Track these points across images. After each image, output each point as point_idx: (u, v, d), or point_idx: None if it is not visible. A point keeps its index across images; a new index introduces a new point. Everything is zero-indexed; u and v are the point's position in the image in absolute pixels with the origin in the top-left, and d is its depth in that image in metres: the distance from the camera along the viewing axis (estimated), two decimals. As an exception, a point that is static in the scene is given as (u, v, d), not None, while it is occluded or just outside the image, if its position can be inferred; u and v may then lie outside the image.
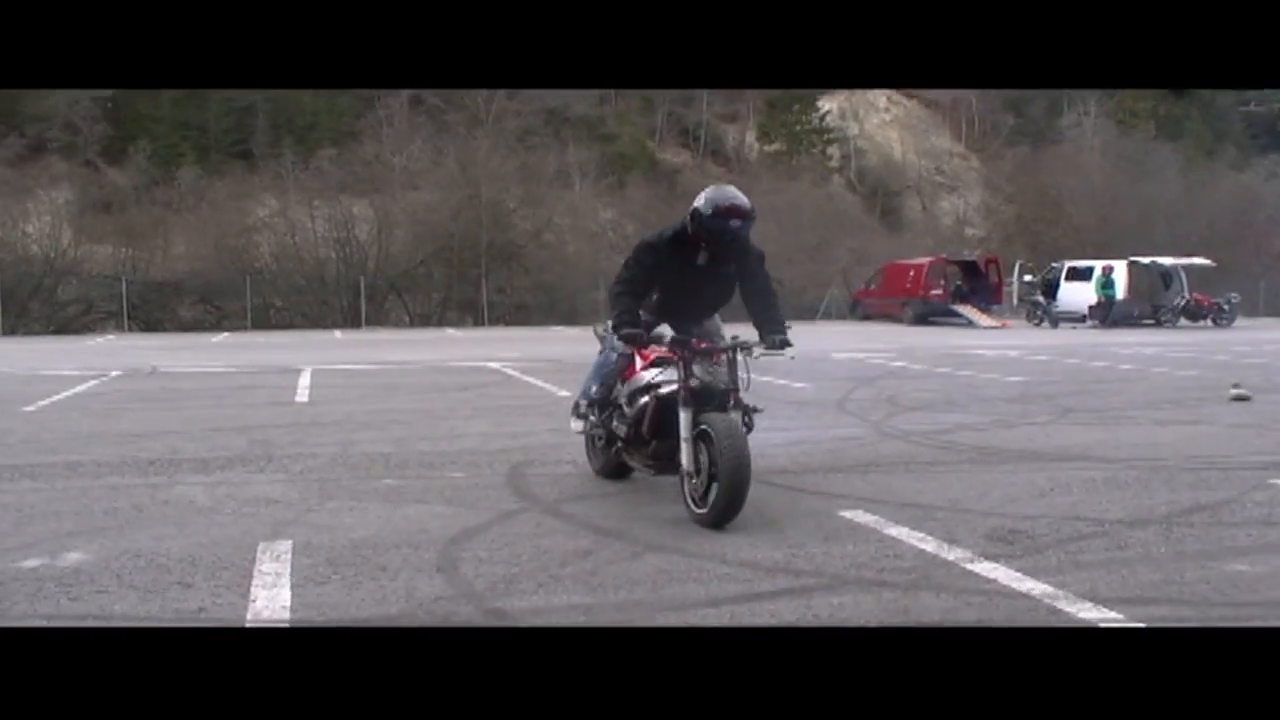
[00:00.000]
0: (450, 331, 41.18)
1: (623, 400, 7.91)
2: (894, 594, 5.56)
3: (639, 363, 7.85)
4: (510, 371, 19.52)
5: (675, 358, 7.40)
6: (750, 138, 78.78)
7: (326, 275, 48.88)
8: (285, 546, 6.50)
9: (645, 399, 7.67)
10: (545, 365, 21.02)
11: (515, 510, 7.62)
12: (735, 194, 7.86)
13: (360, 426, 12.20)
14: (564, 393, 15.49)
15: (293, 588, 5.64)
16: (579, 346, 27.65)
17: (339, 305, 48.48)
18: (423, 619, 5.12)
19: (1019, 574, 5.89)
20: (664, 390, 7.53)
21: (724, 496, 6.89)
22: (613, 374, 8.08)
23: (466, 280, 48.75)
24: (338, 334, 40.39)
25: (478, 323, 47.00)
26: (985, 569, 6.02)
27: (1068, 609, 5.27)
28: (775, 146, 75.13)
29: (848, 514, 7.45)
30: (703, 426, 7.13)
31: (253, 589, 5.62)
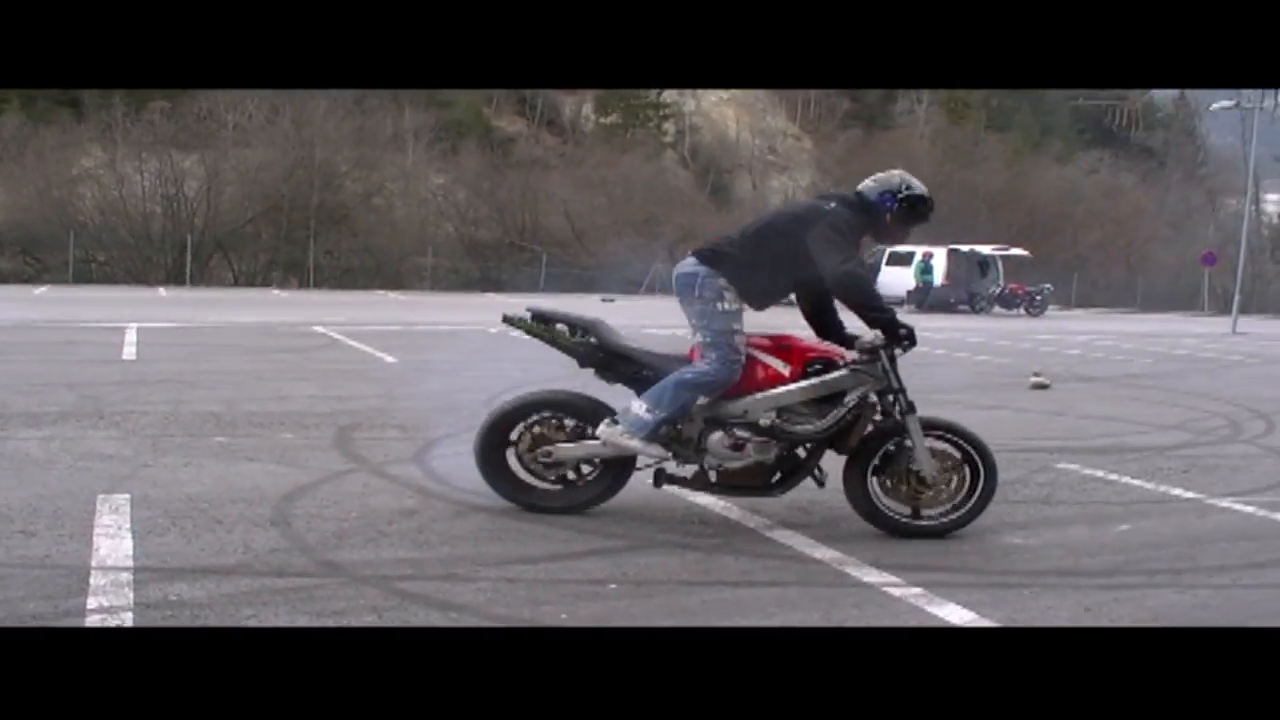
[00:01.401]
0: (276, 292, 40.93)
1: (767, 416, 6.71)
2: (697, 555, 6.02)
3: (773, 366, 6.80)
4: (337, 335, 19.65)
5: (839, 358, 6.84)
6: (587, 109, 78.93)
7: (152, 231, 48.19)
8: (124, 499, 6.69)
9: (842, 410, 6.72)
10: (371, 330, 21.19)
11: (344, 470, 7.90)
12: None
13: (189, 386, 12.29)
14: (390, 358, 15.75)
15: (134, 538, 5.87)
16: (405, 312, 27.89)
17: (163, 262, 47.82)
18: (259, 569, 5.42)
19: (812, 541, 6.36)
20: (882, 397, 6.82)
21: (981, 498, 6.82)
22: (725, 385, 6.73)
23: (294, 241, 48.38)
24: (162, 291, 39.74)
25: (303, 284, 46.66)
26: (782, 535, 6.50)
27: (853, 573, 5.76)
28: (611, 119, 75.26)
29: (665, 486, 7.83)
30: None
31: (95, 538, 5.83)
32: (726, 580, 5.62)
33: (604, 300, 39.55)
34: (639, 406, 6.65)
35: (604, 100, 77.18)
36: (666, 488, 6.81)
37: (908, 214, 7.00)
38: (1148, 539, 6.93)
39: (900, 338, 6.66)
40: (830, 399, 6.70)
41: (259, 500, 6.82)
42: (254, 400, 11.28)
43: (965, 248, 44.15)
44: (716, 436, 6.68)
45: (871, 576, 5.73)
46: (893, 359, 6.73)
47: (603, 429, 6.73)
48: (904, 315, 24.38)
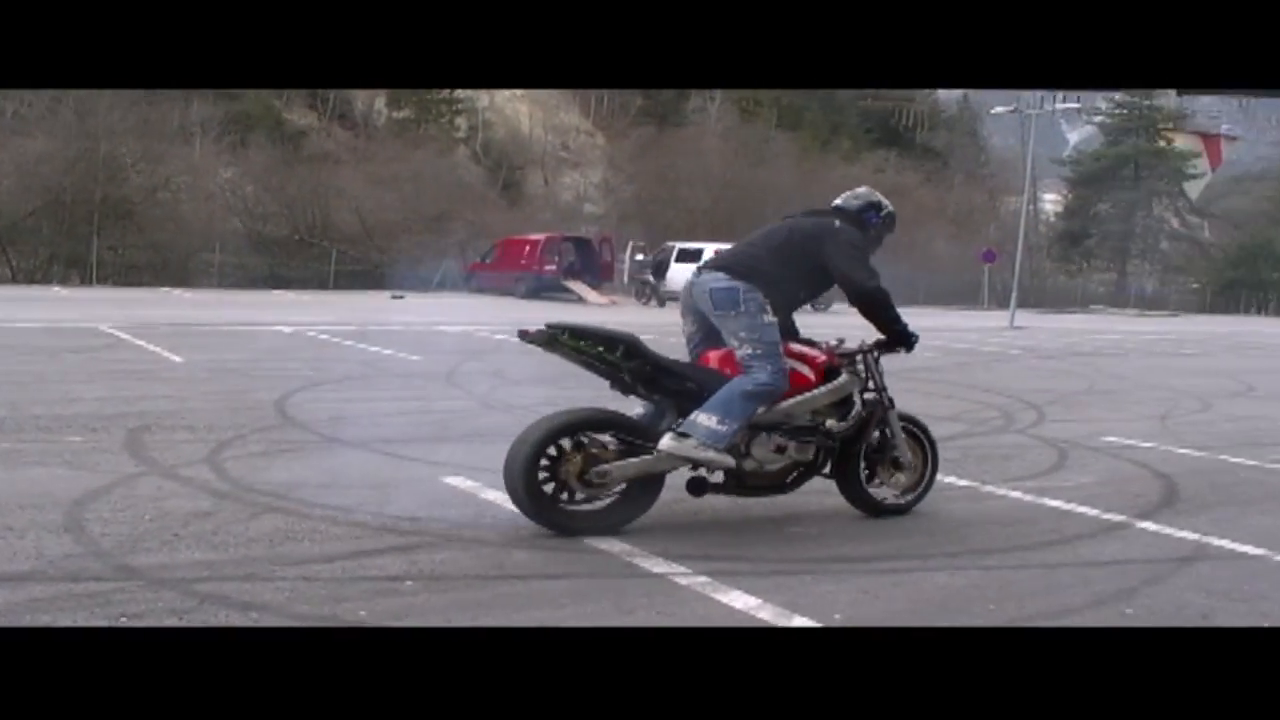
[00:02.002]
0: (58, 290, 39.76)
1: (804, 419, 7.19)
2: (490, 551, 6.15)
3: (802, 372, 7.24)
4: (123, 335, 19.23)
5: (834, 360, 7.38)
6: (380, 103, 78.22)
7: (-77, 224, 46.54)
8: (-94, 505, 6.58)
9: (857, 408, 7.36)
10: (159, 330, 20.83)
11: (135, 474, 7.81)
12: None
13: (-32, 388, 12.03)
14: (178, 358, 15.57)
15: (-79, 544, 5.80)
16: (193, 311, 27.45)
17: (-68, 258, 46.22)
18: (53, 575, 5.40)
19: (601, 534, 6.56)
20: (880, 396, 7.60)
21: (931, 479, 7.78)
22: (780, 394, 7.03)
23: (76, 236, 46.77)
24: (-67, 288, 38.66)
25: (85, 281, 45.26)
26: (571, 530, 6.68)
27: (641, 564, 5.98)
28: (404, 114, 74.67)
29: (450, 480, 7.97)
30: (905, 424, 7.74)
31: (-119, 544, 5.75)
32: (519, 574, 5.78)
33: (394, 298, 39.35)
34: (707, 419, 6.74)
35: (397, 94, 76.53)
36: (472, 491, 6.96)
37: (887, 227, 7.72)
38: (923, 525, 7.29)
39: (910, 345, 7.45)
40: (845, 400, 7.30)
41: (49, 505, 6.72)
42: (39, 403, 11.01)
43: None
44: (761, 440, 7.00)
45: (659, 567, 5.94)
46: (877, 360, 7.56)
47: (669, 443, 6.74)
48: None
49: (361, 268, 49.94)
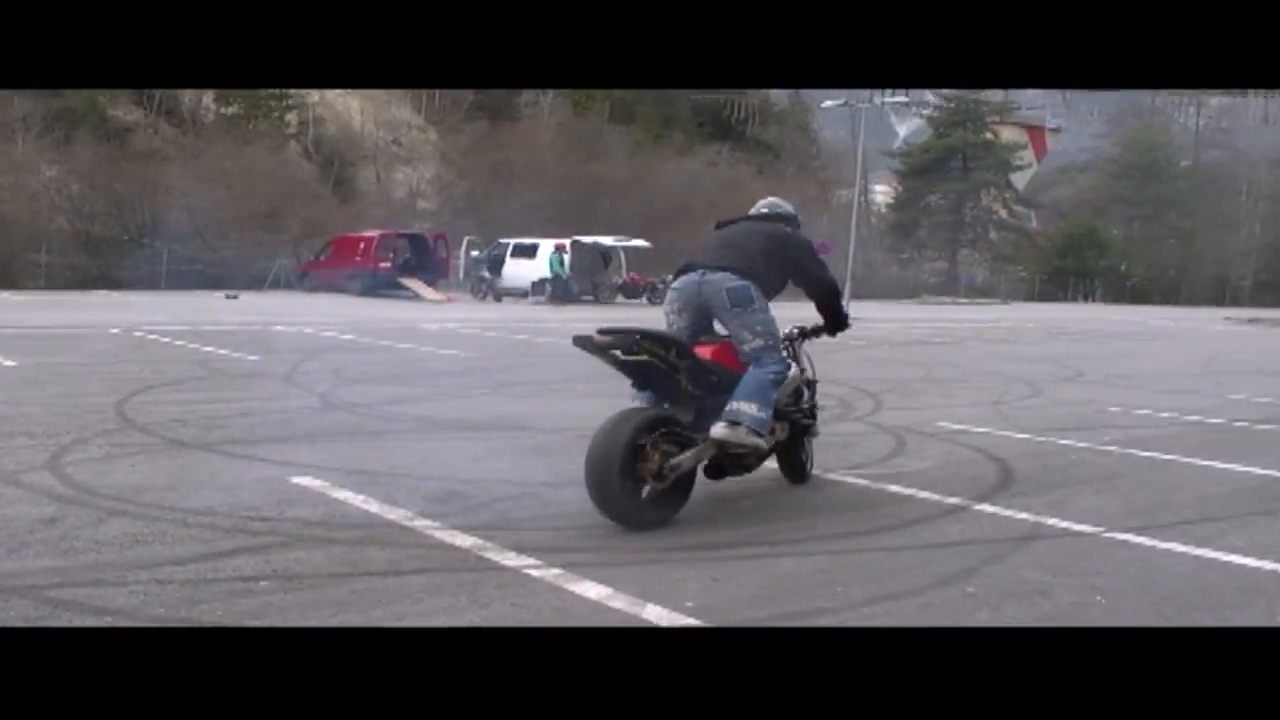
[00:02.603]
0: (-124, 292, 38.82)
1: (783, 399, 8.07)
2: (343, 549, 6.17)
3: None
4: (-50, 338, 18.94)
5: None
6: (208, 99, 76.92)
7: None
8: None
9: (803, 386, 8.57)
10: (-12, 332, 20.48)
11: None
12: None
13: None
14: (10, 362, 15.28)
15: None
16: (21, 314, 26.81)
17: None
18: None
19: (453, 530, 6.61)
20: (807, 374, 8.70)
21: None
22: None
23: (-107, 239, 45.64)
24: None
25: (-97, 283, 44.20)
26: (423, 525, 6.72)
27: (494, 558, 6.05)
28: (233, 110, 73.45)
29: (298, 480, 7.92)
30: None
31: None
32: (374, 571, 5.81)
33: (228, 297, 38.84)
34: (750, 406, 7.28)
35: (224, 90, 75.33)
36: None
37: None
38: (769, 513, 7.46)
39: (847, 326, 8.67)
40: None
41: (-116, 515, 6.60)
42: None
43: (588, 239, 45.03)
44: None
45: (511, 560, 6.02)
46: (802, 343, 8.65)
47: (725, 431, 7.19)
48: (531, 306, 24.97)
49: (194, 267, 49.04)
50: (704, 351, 7.56)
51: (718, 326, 7.88)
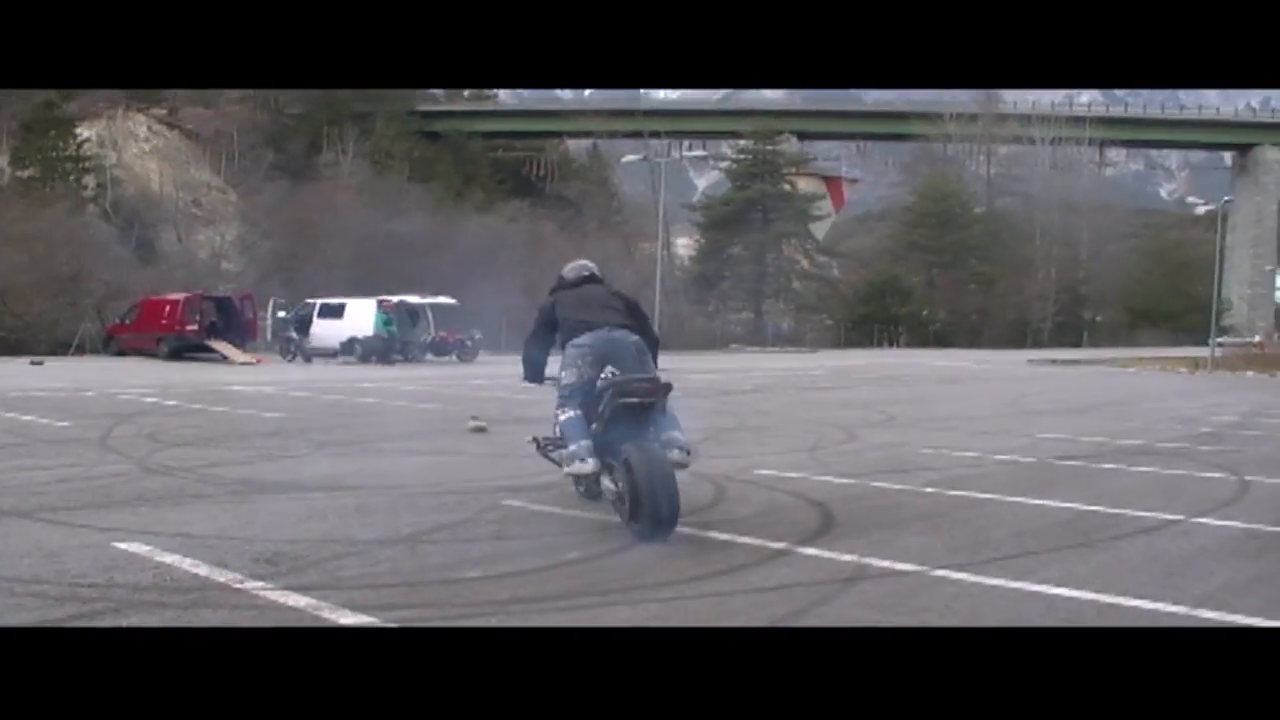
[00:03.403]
0: None
1: None
2: (176, 613, 6.14)
3: None
4: None
5: None
6: (2, 162, 75.19)
7: None
8: None
9: None
10: None
11: None
12: None
13: None
14: None
15: None
16: None
17: None
18: None
19: (286, 590, 6.64)
20: None
21: None
22: None
23: None
24: None
25: None
26: (255, 587, 6.72)
27: (330, 616, 6.10)
28: (29, 173, 71.92)
29: (123, 545, 7.84)
30: None
31: None
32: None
33: (33, 363, 37.94)
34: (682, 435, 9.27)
35: (20, 152, 73.74)
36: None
37: None
38: (598, 564, 7.58)
39: None
40: None
41: None
42: None
43: (395, 298, 44.89)
44: None
45: (347, 619, 6.07)
46: None
47: (684, 457, 9.09)
48: (340, 366, 24.77)
49: (-4, 333, 47.88)
50: None
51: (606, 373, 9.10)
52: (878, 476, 11.97)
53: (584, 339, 9.14)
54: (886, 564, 7.57)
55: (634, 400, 8.75)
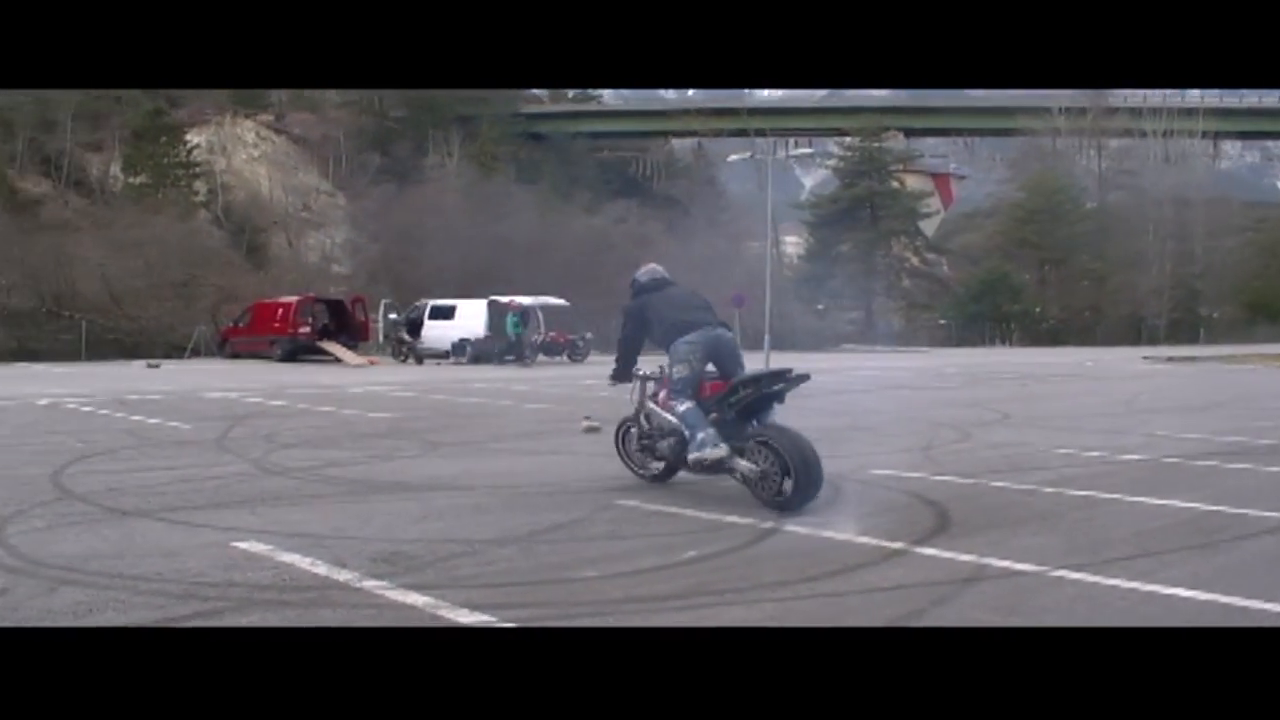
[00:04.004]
0: None
1: None
2: (297, 611, 6.19)
3: None
4: None
5: None
6: (115, 169, 76.46)
7: None
8: None
9: None
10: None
11: None
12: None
13: None
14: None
15: None
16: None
17: None
18: None
19: (403, 589, 6.64)
20: None
21: None
22: None
23: None
24: None
25: None
26: (373, 586, 6.74)
27: (448, 615, 6.09)
28: (141, 179, 73.07)
29: (242, 544, 7.89)
30: None
31: None
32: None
33: (150, 366, 38.59)
34: None
35: (132, 159, 74.92)
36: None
37: None
38: (713, 563, 7.48)
39: None
40: None
41: None
42: None
43: (505, 299, 45.04)
44: None
45: (465, 618, 6.05)
46: None
47: None
48: (451, 367, 24.86)
49: (113, 337, 48.57)
50: (710, 387, 10.24)
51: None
52: (993, 476, 11.79)
53: (693, 337, 10.16)
54: (1005, 564, 7.43)
55: (779, 388, 10.06)
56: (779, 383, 10.06)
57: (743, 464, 9.61)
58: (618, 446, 11.47)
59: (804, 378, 10.27)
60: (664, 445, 10.50)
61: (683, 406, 10.00)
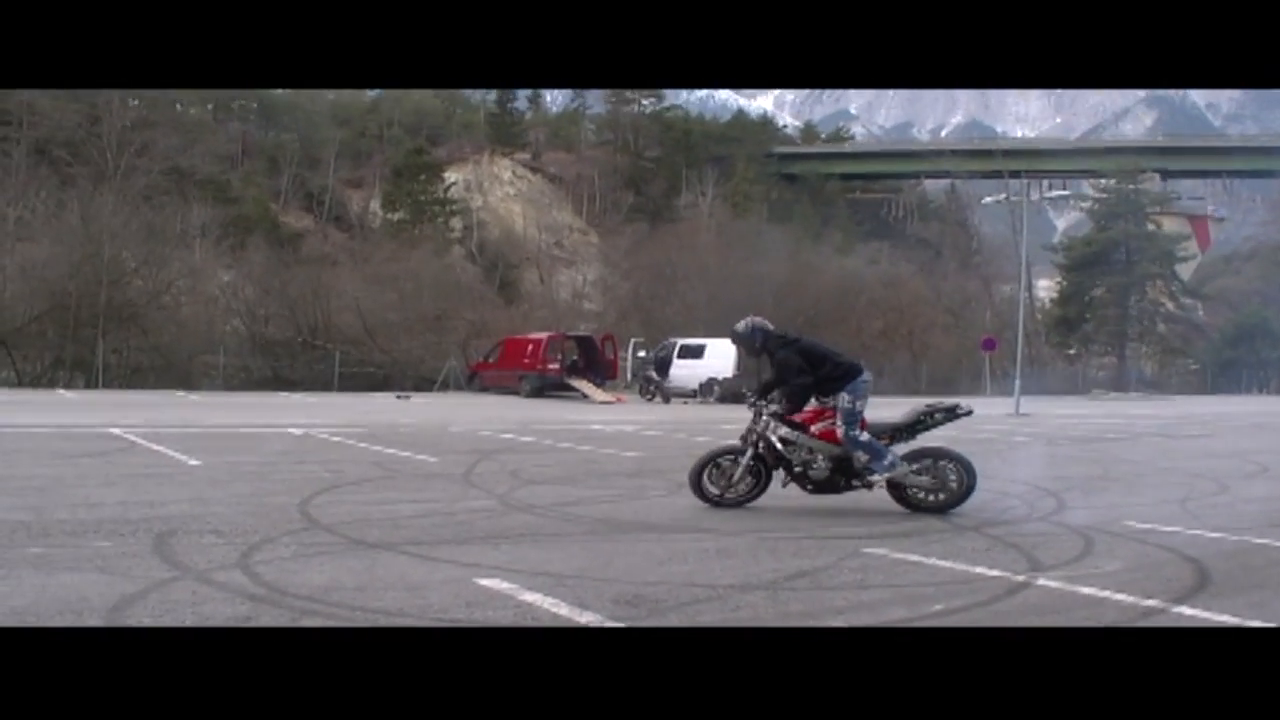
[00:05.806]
0: (64, 393, 39.60)
1: None
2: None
3: None
4: (134, 438, 19.20)
5: None
6: (375, 205, 78.67)
7: (-74, 331, 46.31)
8: (-55, 615, 6.48)
9: None
10: (169, 432, 20.78)
11: (168, 578, 7.73)
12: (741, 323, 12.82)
13: (-10, 493, 11.92)
14: (194, 461, 15.56)
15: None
16: (201, 414, 27.38)
17: (-62, 364, 45.93)
18: None
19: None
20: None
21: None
22: None
23: (81, 340, 46.38)
24: (-61, 394, 38.39)
25: (90, 384, 44.92)
26: (616, 627, 6.59)
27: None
28: (399, 215, 75.09)
29: (484, 581, 7.83)
30: None
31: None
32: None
33: (399, 398, 39.40)
34: None
35: (391, 196, 77.01)
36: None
37: None
38: (961, 617, 7.18)
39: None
40: None
41: (87, 611, 6.65)
42: (63, 507, 10.97)
43: (754, 339, 44.82)
44: None
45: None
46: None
47: None
48: (698, 406, 24.85)
49: (365, 368, 49.85)
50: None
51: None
52: (1255, 531, 11.19)
53: (866, 376, 12.08)
54: (1270, 627, 6.96)
55: (945, 419, 12.50)
56: (953, 416, 12.48)
57: (920, 479, 11.88)
58: (699, 476, 12.27)
59: (968, 412, 12.60)
60: (819, 468, 12.05)
61: (865, 436, 11.80)
